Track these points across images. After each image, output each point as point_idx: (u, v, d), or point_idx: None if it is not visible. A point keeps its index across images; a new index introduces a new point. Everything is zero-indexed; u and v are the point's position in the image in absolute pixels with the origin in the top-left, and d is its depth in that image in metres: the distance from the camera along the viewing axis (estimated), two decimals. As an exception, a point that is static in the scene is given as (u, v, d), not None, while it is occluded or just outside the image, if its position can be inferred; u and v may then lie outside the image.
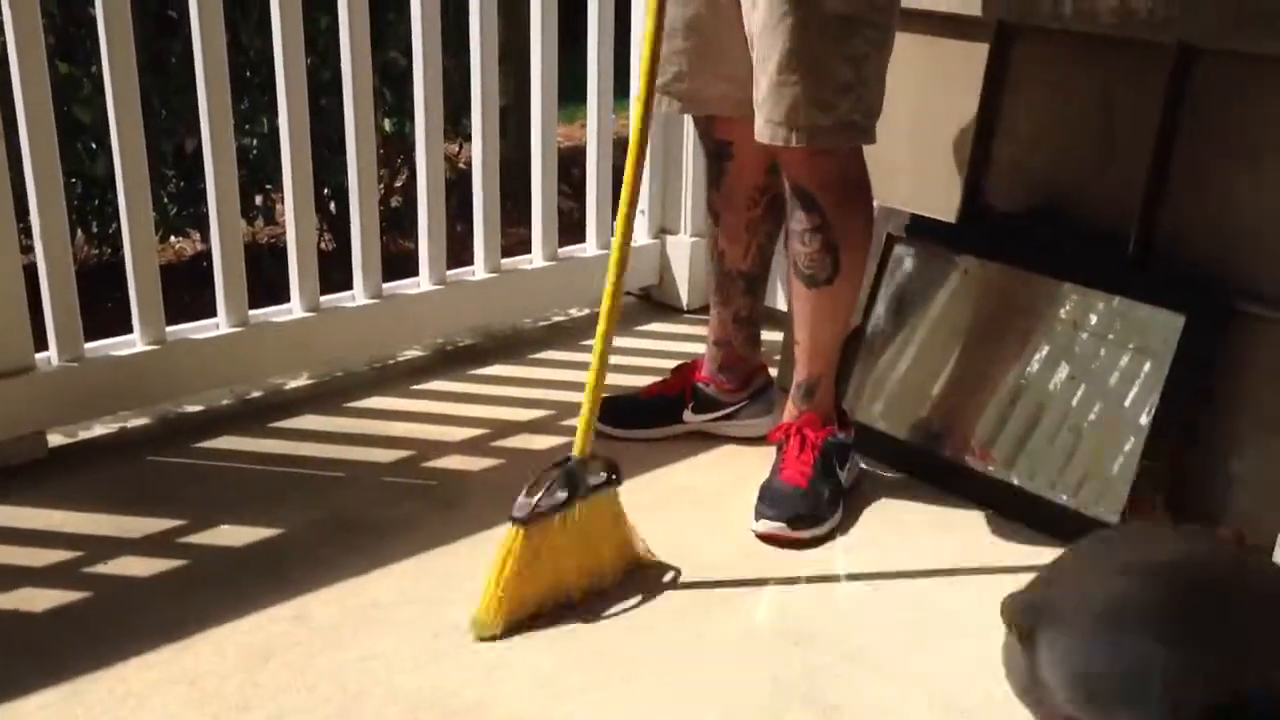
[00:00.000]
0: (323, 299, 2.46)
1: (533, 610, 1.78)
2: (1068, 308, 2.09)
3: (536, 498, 1.77)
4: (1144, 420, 1.94)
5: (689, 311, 2.89)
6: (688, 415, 2.30)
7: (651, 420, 2.30)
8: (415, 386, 2.51)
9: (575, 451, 1.83)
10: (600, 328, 1.82)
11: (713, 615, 1.81)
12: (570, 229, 2.93)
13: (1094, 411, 2.02)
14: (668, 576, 1.89)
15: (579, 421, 1.83)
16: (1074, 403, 2.04)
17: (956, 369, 2.20)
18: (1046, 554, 1.94)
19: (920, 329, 2.27)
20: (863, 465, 2.17)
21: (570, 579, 1.81)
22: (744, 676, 1.67)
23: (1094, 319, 2.06)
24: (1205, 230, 1.99)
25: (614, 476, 1.86)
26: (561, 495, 1.79)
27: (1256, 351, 1.92)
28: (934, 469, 2.16)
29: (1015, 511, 2.04)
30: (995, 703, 1.62)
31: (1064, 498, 2.00)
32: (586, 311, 2.92)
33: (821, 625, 1.79)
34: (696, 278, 2.87)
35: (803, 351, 2.09)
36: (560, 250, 2.81)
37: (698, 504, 2.11)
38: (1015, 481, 2.06)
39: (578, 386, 2.47)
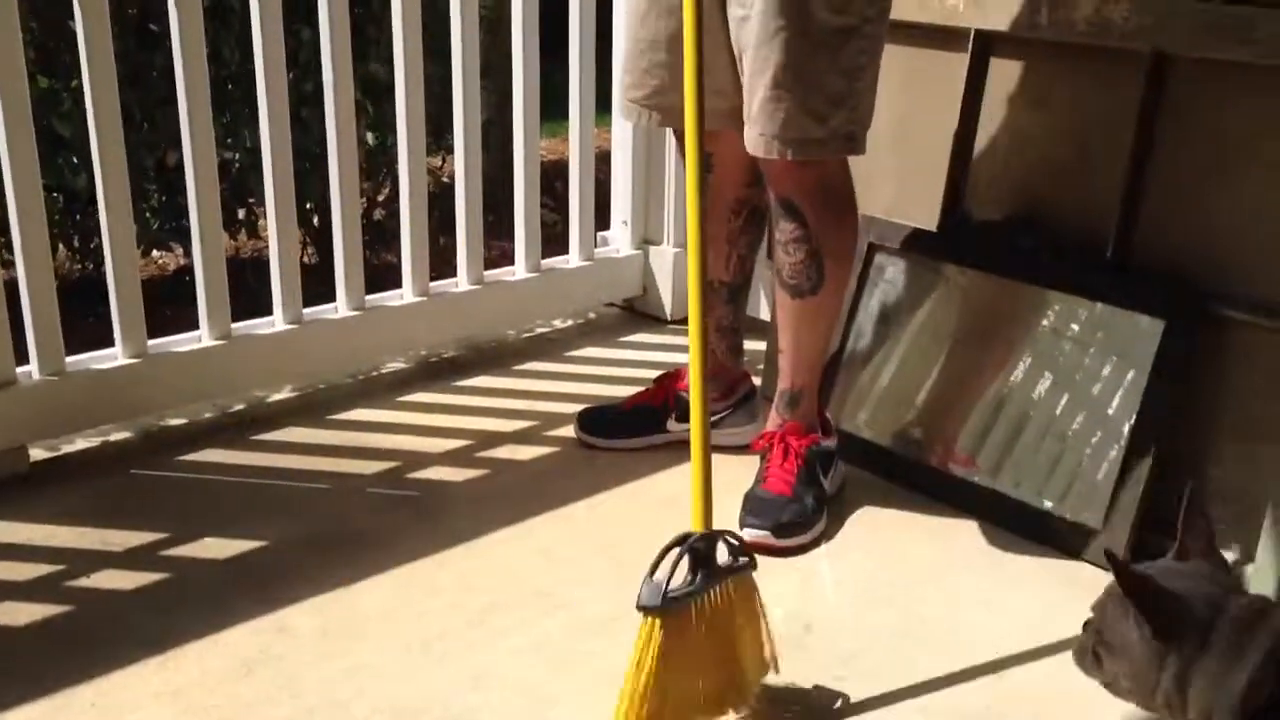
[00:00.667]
0: (305, 311, 2.46)
1: (672, 716, 1.50)
2: (1049, 315, 2.10)
3: (664, 580, 1.47)
4: (1126, 428, 1.96)
5: (672, 322, 2.89)
6: (671, 424, 2.30)
7: (635, 430, 2.31)
8: (398, 398, 2.50)
9: (694, 525, 1.56)
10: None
11: (698, 623, 1.81)
12: (553, 241, 2.94)
13: (1078, 420, 2.03)
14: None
15: (692, 489, 1.56)
16: (1058, 411, 2.05)
17: (940, 377, 2.21)
18: (1032, 560, 1.96)
19: (903, 337, 2.28)
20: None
21: (711, 678, 1.54)
22: (730, 684, 1.67)
23: (1075, 326, 2.07)
24: (1182, 235, 2.00)
25: (749, 556, 1.58)
26: (697, 577, 1.51)
27: (1233, 356, 1.93)
28: (919, 476, 2.17)
29: (1001, 518, 2.05)
30: (984, 706, 1.63)
31: (1049, 504, 2.01)
32: (569, 323, 2.92)
33: (810, 632, 1.79)
34: (679, 288, 2.87)
35: (787, 361, 2.10)
36: (543, 262, 2.81)
37: (682, 513, 2.08)
38: (1000, 488, 2.07)
39: (561, 397, 2.51)
